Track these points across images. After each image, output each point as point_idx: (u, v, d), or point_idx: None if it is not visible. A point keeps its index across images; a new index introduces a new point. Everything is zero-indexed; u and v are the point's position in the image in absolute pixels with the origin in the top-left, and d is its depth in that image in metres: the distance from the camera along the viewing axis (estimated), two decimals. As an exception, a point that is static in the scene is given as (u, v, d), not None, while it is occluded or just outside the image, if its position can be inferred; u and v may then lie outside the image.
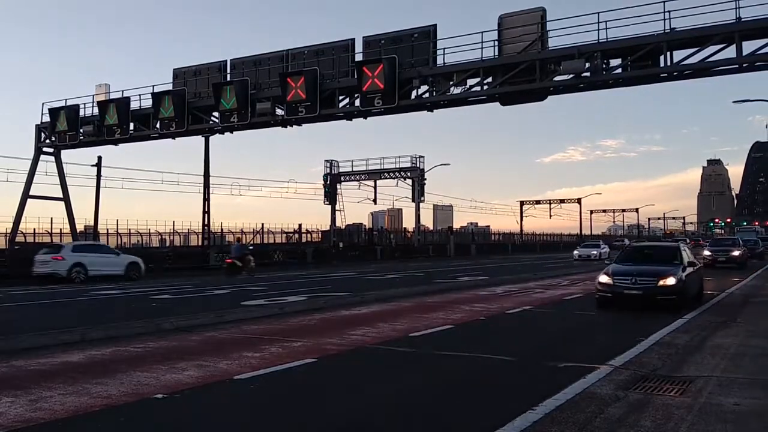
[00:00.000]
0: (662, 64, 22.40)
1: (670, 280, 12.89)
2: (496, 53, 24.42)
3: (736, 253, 32.12)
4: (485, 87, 25.35)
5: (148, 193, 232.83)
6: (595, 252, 45.05)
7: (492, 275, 27.47)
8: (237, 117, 28.37)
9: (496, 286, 20.93)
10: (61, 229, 39.52)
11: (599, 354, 8.30)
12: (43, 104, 34.73)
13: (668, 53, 22.15)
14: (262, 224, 55.35)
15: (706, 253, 32.45)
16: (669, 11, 21.58)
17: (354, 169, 56.91)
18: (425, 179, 55.15)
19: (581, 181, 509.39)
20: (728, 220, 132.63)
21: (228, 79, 29.32)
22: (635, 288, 13.01)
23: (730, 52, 21.44)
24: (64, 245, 26.57)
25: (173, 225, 49.56)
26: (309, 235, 54.04)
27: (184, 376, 7.22)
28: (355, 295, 16.84)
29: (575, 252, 48.45)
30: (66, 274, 23.66)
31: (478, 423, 5.50)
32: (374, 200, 59.67)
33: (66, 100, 33.40)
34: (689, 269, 13.87)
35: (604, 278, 13.72)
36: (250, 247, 32.84)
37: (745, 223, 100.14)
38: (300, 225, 53.99)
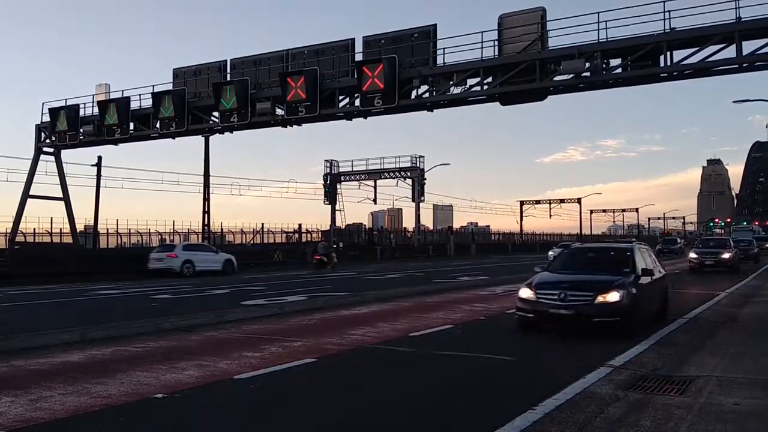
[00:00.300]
0: (662, 64, 22.44)
1: (613, 296, 9.68)
2: (496, 53, 24.45)
3: (726, 255, 28.65)
4: (485, 87, 25.39)
5: (148, 193, 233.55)
6: None
7: (492, 275, 27.48)
8: (237, 117, 28.41)
9: (496, 286, 20.92)
10: (61, 229, 39.57)
11: (599, 354, 8.29)
12: (43, 104, 34.86)
13: (668, 53, 22.20)
14: (262, 224, 55.50)
15: (692, 255, 29.55)
16: (669, 11, 21.73)
17: (354, 169, 56.94)
18: (425, 179, 55.19)
19: (581, 181, 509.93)
20: (728, 219, 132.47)
21: (228, 79, 29.37)
22: (564, 306, 9.79)
23: (730, 52, 21.50)
24: (176, 245, 30.66)
25: (173, 225, 49.72)
26: (309, 235, 54.00)
27: (184, 376, 7.22)
28: (354, 295, 16.85)
29: (550, 253, 43.61)
30: (179, 269, 26.84)
31: (478, 423, 5.50)
32: (374, 200, 59.77)
33: (66, 100, 33.57)
34: (645, 279, 10.60)
35: (524, 292, 10.39)
36: (334, 246, 39.35)
37: (745, 223, 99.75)
38: (300, 225, 54.17)
